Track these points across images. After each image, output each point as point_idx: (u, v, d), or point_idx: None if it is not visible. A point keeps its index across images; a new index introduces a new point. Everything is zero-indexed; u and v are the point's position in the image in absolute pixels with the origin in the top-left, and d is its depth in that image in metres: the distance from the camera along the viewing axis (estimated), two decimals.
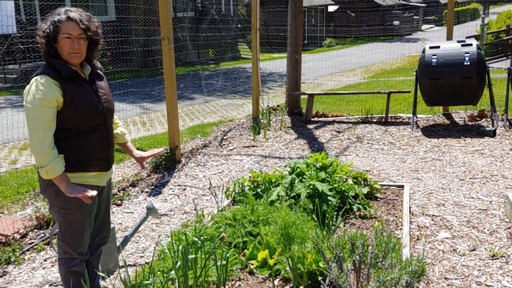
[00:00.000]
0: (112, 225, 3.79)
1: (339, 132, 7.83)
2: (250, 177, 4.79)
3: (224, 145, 7.50)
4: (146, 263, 3.90)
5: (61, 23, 2.64)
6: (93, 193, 2.67)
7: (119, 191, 5.57)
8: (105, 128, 2.84)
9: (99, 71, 2.92)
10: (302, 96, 9.49)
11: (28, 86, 2.66)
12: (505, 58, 17.01)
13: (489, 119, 7.85)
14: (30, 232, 4.52)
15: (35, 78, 2.66)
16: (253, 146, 7.33)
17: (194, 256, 3.05)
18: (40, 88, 2.60)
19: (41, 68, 2.71)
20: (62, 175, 2.66)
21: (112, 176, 3.07)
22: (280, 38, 24.90)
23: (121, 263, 3.87)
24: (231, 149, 7.24)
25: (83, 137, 2.73)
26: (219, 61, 21.51)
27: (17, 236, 4.38)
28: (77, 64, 2.77)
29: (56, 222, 2.90)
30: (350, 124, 8.26)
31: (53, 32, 2.63)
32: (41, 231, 4.55)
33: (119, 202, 5.29)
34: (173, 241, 3.37)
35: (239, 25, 25.98)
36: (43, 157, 2.61)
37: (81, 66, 2.81)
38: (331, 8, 35.38)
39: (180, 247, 3.04)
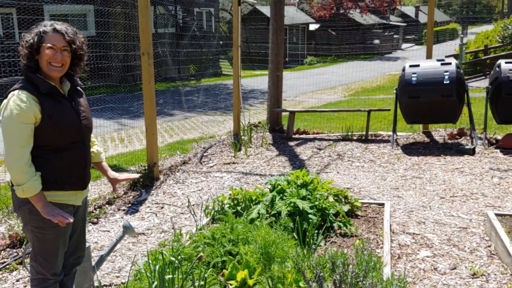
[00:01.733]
0: (87, 244, 3.68)
1: (320, 149, 7.82)
2: (230, 194, 4.73)
3: (204, 162, 7.42)
4: (122, 283, 3.79)
5: (46, 34, 2.59)
6: (70, 219, 2.60)
7: (95, 209, 5.44)
8: (83, 145, 2.77)
9: (78, 88, 2.85)
10: (283, 113, 9.49)
11: (5, 101, 2.57)
12: (483, 77, 17.32)
13: (468, 137, 7.92)
14: (3, 251, 4.36)
15: (12, 92, 2.57)
16: (233, 163, 7.27)
17: (171, 276, 2.96)
18: (18, 103, 2.51)
19: (19, 83, 2.62)
20: (39, 194, 2.57)
21: (88, 194, 2.98)
22: (261, 55, 25.02)
23: (96, 284, 3.75)
24: (211, 166, 7.16)
25: (60, 155, 2.65)
26: (200, 77, 21.49)
27: None
28: (57, 79, 2.70)
29: (29, 241, 2.80)
30: (331, 142, 8.26)
31: (37, 43, 2.58)
32: (14, 250, 4.40)
33: (95, 220, 5.16)
34: (150, 261, 3.28)
35: (221, 42, 26.06)
36: (20, 175, 2.52)
37: (60, 82, 2.74)
38: (312, 27, 35.75)
39: (157, 267, 2.95)
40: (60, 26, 2.65)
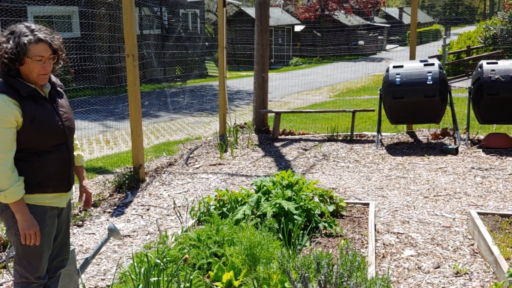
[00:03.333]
0: (72, 247, 3.66)
1: (305, 150, 7.85)
2: (216, 196, 4.73)
3: (190, 163, 7.41)
4: (108, 286, 3.77)
5: (31, 45, 2.50)
6: (37, 242, 2.63)
7: (80, 211, 5.40)
8: (66, 147, 2.74)
9: (59, 89, 2.80)
10: (269, 114, 9.51)
11: None
12: (466, 77, 17.51)
13: (451, 137, 8.01)
14: None
15: None
16: (219, 164, 7.27)
17: (156, 279, 2.96)
18: None
19: None
20: (20, 201, 2.55)
21: (72, 196, 2.96)
22: (247, 56, 25.04)
23: (81, 287, 3.73)
24: (197, 168, 7.15)
25: (43, 157, 2.62)
26: (185, 78, 21.45)
27: None
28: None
29: (13, 245, 2.77)
30: (317, 142, 8.30)
31: (21, 54, 2.49)
32: None
33: (80, 223, 5.13)
34: (135, 263, 3.27)
35: (206, 43, 26.03)
36: (3, 181, 2.49)
37: (40, 85, 2.68)
38: (298, 28, 35.86)
39: (142, 269, 2.95)
40: (42, 33, 2.55)
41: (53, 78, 2.79)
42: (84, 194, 3.03)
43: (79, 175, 3.01)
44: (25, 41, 2.49)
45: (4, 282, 3.93)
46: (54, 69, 2.73)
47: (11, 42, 2.49)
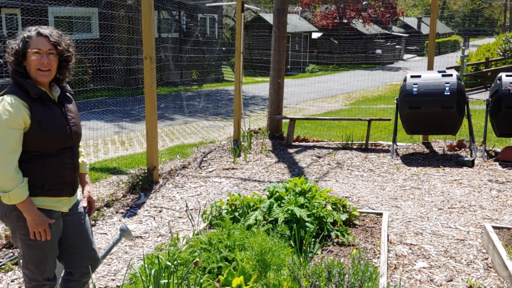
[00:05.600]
0: None
1: (319, 157, 7.82)
2: (228, 200, 4.72)
3: (203, 166, 7.42)
4: (118, 286, 3.78)
5: (31, 39, 2.58)
6: (48, 237, 2.64)
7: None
8: (72, 152, 2.74)
9: (68, 94, 2.83)
10: (283, 120, 9.50)
11: None
12: (484, 89, 17.35)
13: (467, 149, 7.92)
14: None
15: (2, 97, 2.55)
16: (233, 168, 7.27)
17: (166, 281, 2.95)
18: (7, 108, 2.49)
19: (9, 87, 2.60)
20: (26, 200, 2.55)
21: (78, 200, 2.93)
22: (263, 62, 25.07)
23: (91, 286, 3.74)
24: (210, 171, 7.16)
25: (48, 160, 2.62)
26: (202, 82, 21.53)
27: None
28: (46, 84, 2.68)
29: (19, 249, 2.76)
30: (331, 150, 8.26)
31: (22, 48, 2.57)
32: (10, 250, 4.39)
33: (92, 222, 5.15)
34: (146, 265, 3.27)
35: (223, 48, 26.12)
36: (7, 182, 2.49)
37: (50, 88, 2.72)
38: (315, 35, 35.84)
39: (153, 271, 2.94)
40: (44, 29, 2.63)
41: (63, 83, 2.81)
42: (87, 202, 2.99)
43: (82, 182, 2.99)
44: (26, 35, 2.59)
45: (16, 279, 3.96)
46: (64, 74, 2.76)
47: (18, 40, 2.61)
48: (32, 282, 2.76)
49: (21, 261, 3.75)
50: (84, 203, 2.97)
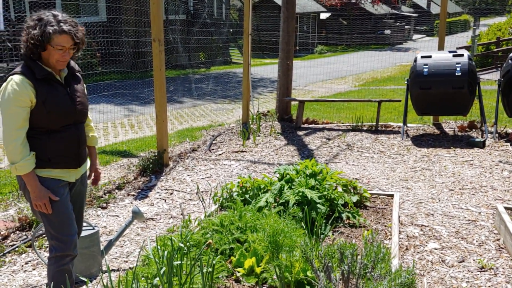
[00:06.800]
0: (96, 229, 3.71)
1: (329, 139, 7.80)
2: (238, 182, 4.73)
3: (213, 149, 7.43)
4: (130, 268, 3.82)
5: (54, 35, 2.67)
6: (49, 211, 2.79)
7: (104, 193, 5.47)
8: (75, 128, 2.90)
9: (77, 74, 2.98)
10: (292, 102, 9.46)
11: (4, 84, 2.72)
12: (495, 70, 17.13)
13: (479, 130, 7.86)
14: (12, 234, 4.41)
15: (11, 77, 2.71)
16: (242, 151, 7.27)
17: (179, 262, 2.98)
18: (15, 88, 2.66)
19: (18, 67, 2.76)
20: (31, 173, 2.74)
21: (85, 171, 3.12)
22: (272, 43, 24.90)
23: (104, 268, 3.78)
24: (220, 154, 7.17)
25: (53, 136, 2.80)
26: (210, 65, 21.44)
27: None
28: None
29: (40, 221, 2.90)
30: (340, 132, 8.23)
31: (43, 41, 2.66)
32: (24, 233, 4.44)
33: (104, 205, 5.19)
34: (158, 247, 3.30)
35: (231, 30, 25.93)
36: (15, 154, 2.69)
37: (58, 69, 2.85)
38: (324, 15, 35.48)
39: (166, 252, 2.97)
40: (67, 26, 2.71)
41: (72, 63, 2.95)
42: (93, 173, 3.23)
43: (91, 155, 3.20)
44: (50, 31, 2.66)
45: (30, 261, 4.01)
46: (73, 56, 2.88)
47: (37, 29, 2.67)
48: (56, 253, 2.89)
49: (35, 241, 3.80)
50: (92, 176, 3.22)
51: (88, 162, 3.18)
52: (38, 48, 2.68)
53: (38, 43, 2.66)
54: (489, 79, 14.22)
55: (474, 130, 7.93)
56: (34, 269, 3.87)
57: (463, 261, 3.72)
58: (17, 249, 4.17)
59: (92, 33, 14.38)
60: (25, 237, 4.37)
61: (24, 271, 3.85)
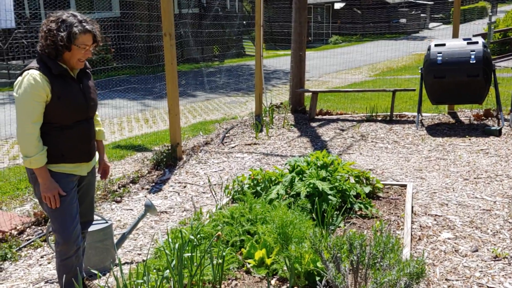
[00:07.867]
0: (109, 222, 3.75)
1: (343, 130, 7.76)
2: (250, 175, 4.74)
3: (226, 142, 7.45)
4: (143, 260, 3.85)
5: (79, 35, 2.76)
6: (57, 205, 2.84)
7: (119, 187, 5.52)
8: (87, 123, 2.98)
9: (87, 70, 3.05)
10: (306, 94, 9.42)
11: (20, 78, 2.76)
12: None
13: (494, 118, 7.75)
14: (28, 229, 4.48)
15: (27, 71, 2.76)
16: (255, 144, 7.27)
17: (189, 254, 3.00)
18: (31, 82, 2.71)
19: (33, 62, 2.82)
20: (43, 167, 2.79)
21: (95, 164, 3.20)
22: (284, 34, 24.76)
23: (117, 261, 3.82)
24: (232, 147, 7.18)
25: (66, 132, 2.86)
26: (223, 58, 21.43)
27: (14, 232, 4.35)
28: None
29: (46, 214, 2.95)
30: (355, 122, 8.19)
31: (68, 41, 2.74)
32: (39, 228, 4.51)
33: (118, 199, 5.24)
34: (170, 239, 3.32)
35: (244, 22, 25.87)
36: (29, 148, 2.75)
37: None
38: (337, 5, 35.20)
39: (176, 245, 2.99)
40: (89, 25, 2.81)
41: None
42: (102, 167, 3.28)
43: (98, 149, 3.25)
44: (76, 31, 2.75)
45: (45, 255, 4.07)
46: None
47: (62, 30, 2.74)
48: (60, 246, 2.95)
49: (50, 236, 3.85)
50: (101, 170, 3.28)
51: (97, 155, 3.22)
52: (64, 49, 2.75)
53: (67, 44, 2.73)
54: (506, 67, 13.98)
55: (490, 118, 7.82)
56: (49, 263, 3.93)
57: (476, 250, 3.68)
58: (32, 243, 4.24)
59: (106, 28, 14.47)
60: (40, 231, 4.44)
61: (40, 265, 3.91)
